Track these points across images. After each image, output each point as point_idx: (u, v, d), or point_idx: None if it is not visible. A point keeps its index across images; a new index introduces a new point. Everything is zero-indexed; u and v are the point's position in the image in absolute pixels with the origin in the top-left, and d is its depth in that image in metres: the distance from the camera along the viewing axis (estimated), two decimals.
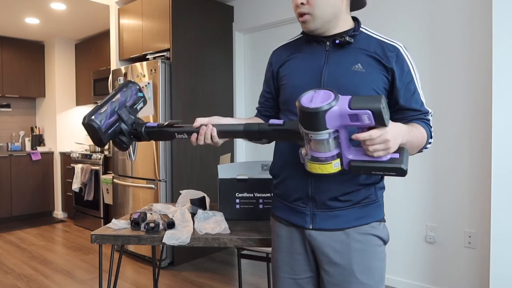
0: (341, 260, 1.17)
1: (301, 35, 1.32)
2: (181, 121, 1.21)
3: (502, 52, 2.07)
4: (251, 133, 1.14)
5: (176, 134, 1.19)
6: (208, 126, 1.14)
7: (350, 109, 0.93)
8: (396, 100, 1.20)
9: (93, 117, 1.15)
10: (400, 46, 1.22)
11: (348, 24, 1.24)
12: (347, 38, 1.18)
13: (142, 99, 1.31)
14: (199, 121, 1.16)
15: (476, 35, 2.52)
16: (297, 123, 1.04)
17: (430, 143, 1.20)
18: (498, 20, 2.09)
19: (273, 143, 1.32)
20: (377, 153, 0.96)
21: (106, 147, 4.79)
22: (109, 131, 1.18)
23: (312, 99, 0.96)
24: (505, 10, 2.06)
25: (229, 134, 1.16)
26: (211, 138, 1.14)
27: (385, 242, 1.22)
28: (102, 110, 1.17)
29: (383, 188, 1.23)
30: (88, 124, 1.15)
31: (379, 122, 0.93)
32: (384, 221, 1.23)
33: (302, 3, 1.17)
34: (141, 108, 1.31)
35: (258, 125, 1.12)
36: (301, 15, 1.19)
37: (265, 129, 1.11)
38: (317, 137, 0.97)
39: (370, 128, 0.96)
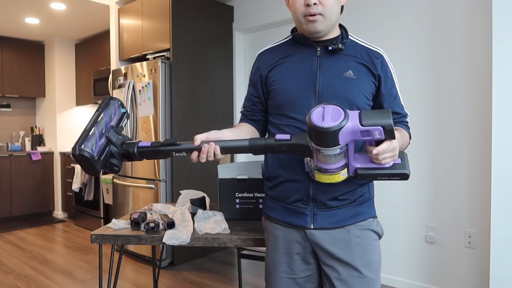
0: (344, 255, 1.21)
1: (287, 39, 1.34)
2: (179, 139, 1.15)
3: (502, 52, 2.07)
4: (257, 149, 1.12)
5: (173, 152, 1.14)
6: (210, 144, 1.10)
7: (362, 125, 0.97)
8: (380, 104, 1.27)
9: (83, 146, 1.07)
10: (384, 53, 1.28)
11: (337, 31, 1.28)
12: (340, 45, 1.22)
13: (126, 114, 1.26)
14: (198, 138, 1.12)
15: (476, 35, 2.52)
16: (305, 136, 1.06)
17: (409, 143, 1.29)
18: (498, 20, 2.08)
19: None
20: (385, 160, 1.02)
21: None
22: (102, 158, 1.12)
23: (324, 117, 0.99)
24: (505, 9, 2.06)
25: (233, 150, 1.14)
26: (214, 156, 1.11)
27: (380, 237, 1.29)
28: (90, 134, 1.10)
29: (373, 185, 1.31)
30: (79, 154, 1.06)
31: (390, 137, 0.98)
32: (377, 217, 1.30)
33: (315, 3, 1.17)
34: (125, 125, 1.27)
35: (264, 140, 1.11)
36: (311, 14, 1.19)
37: (272, 144, 1.10)
38: (329, 153, 1.00)
39: (378, 140, 1.00)
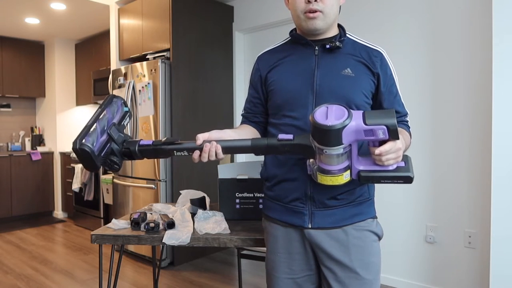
0: (341, 256, 1.20)
1: (286, 40, 1.34)
2: (180, 138, 1.15)
3: (502, 52, 2.07)
4: (259, 149, 1.11)
5: (174, 151, 1.13)
6: (212, 143, 1.09)
7: (366, 125, 0.96)
8: (380, 103, 1.26)
9: (83, 140, 1.05)
10: (383, 51, 1.28)
11: (336, 30, 1.28)
12: (337, 43, 1.21)
13: (128, 113, 1.25)
14: (201, 138, 1.11)
15: (476, 35, 2.52)
16: (307, 137, 1.05)
17: (410, 143, 1.28)
18: (498, 20, 2.08)
19: None
20: (388, 162, 1.01)
21: None
22: (102, 154, 1.11)
23: (327, 115, 0.98)
24: (505, 10, 2.06)
25: (235, 150, 1.13)
26: (216, 155, 1.10)
27: (379, 238, 1.27)
28: (91, 130, 1.09)
29: (373, 185, 1.28)
30: (80, 149, 1.04)
31: (393, 137, 0.98)
32: (377, 218, 1.28)
33: (315, 0, 1.17)
34: (127, 123, 1.26)
35: (267, 140, 1.10)
36: (312, 11, 1.18)
37: (274, 144, 1.08)
38: (332, 152, 0.99)
39: (382, 141, 0.99)
